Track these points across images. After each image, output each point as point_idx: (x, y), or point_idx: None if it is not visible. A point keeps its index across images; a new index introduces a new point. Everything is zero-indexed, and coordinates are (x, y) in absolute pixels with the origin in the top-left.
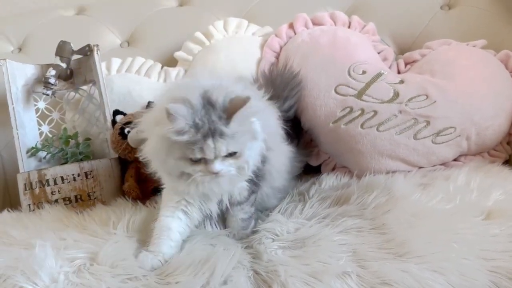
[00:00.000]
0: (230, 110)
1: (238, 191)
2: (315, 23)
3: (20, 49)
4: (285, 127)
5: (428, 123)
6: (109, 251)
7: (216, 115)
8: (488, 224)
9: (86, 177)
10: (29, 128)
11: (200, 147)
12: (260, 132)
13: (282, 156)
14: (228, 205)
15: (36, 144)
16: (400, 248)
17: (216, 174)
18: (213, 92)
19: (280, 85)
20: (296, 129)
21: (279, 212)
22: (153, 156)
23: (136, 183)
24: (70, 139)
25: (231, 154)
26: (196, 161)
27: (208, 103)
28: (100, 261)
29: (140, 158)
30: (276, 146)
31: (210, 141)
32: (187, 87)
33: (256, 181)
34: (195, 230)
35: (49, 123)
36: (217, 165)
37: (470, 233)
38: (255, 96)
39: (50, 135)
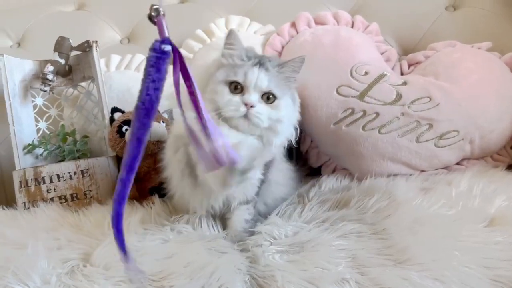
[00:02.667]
0: (283, 61)
1: (249, 188)
2: (318, 22)
3: (19, 44)
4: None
5: (431, 126)
6: (102, 253)
7: (268, 60)
8: (491, 231)
9: (83, 175)
10: (26, 124)
11: (245, 71)
12: (297, 102)
13: (281, 169)
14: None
15: (33, 140)
16: (401, 255)
17: (250, 107)
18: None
19: None
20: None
21: (277, 214)
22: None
23: (134, 183)
24: (67, 136)
25: (269, 98)
26: (234, 92)
27: (264, 57)
28: (94, 262)
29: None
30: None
31: (256, 69)
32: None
33: (264, 179)
34: (191, 233)
35: (46, 120)
36: (253, 97)
37: (473, 240)
38: None
39: (48, 132)
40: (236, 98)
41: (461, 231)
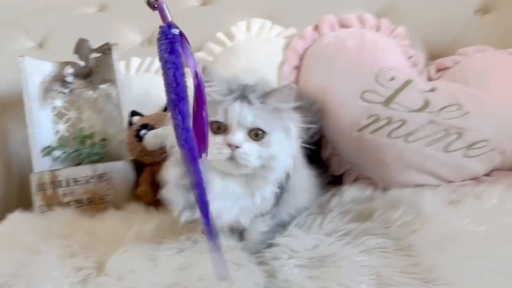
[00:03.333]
0: (268, 92)
1: (261, 198)
2: (342, 25)
3: (40, 45)
4: (308, 151)
5: (460, 135)
6: (116, 262)
7: (250, 88)
8: None
9: (100, 179)
10: (45, 126)
11: (225, 108)
12: (294, 133)
13: (301, 177)
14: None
15: (51, 143)
16: (428, 274)
17: (235, 148)
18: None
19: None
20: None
21: (296, 225)
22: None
23: (151, 188)
24: (86, 139)
25: (257, 135)
26: (217, 133)
27: (247, 87)
28: (107, 271)
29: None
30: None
31: (237, 104)
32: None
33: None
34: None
35: (65, 122)
36: (237, 136)
37: (506, 261)
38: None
39: (66, 134)
40: (219, 139)
41: (494, 249)
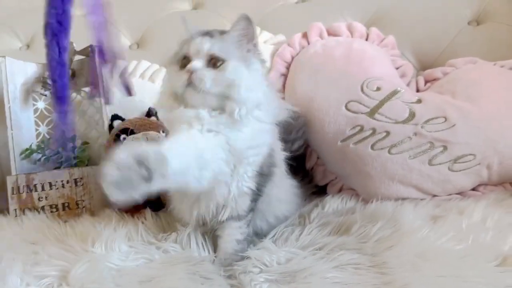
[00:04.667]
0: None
1: (239, 200)
2: (331, 33)
3: (28, 46)
4: (291, 163)
5: (445, 148)
6: (79, 271)
7: (216, 31)
8: (502, 271)
9: (76, 184)
10: (26, 128)
11: (189, 43)
12: (256, 66)
13: (283, 186)
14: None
15: (31, 145)
16: None
17: (192, 74)
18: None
19: (288, 128)
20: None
21: (273, 236)
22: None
23: None
24: (67, 142)
25: (216, 64)
26: (182, 67)
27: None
28: (70, 281)
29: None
30: (279, 172)
31: (199, 38)
32: None
33: (255, 196)
34: (179, 252)
35: (47, 124)
36: (195, 63)
37: (481, 281)
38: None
39: (48, 137)
40: (183, 72)
41: (469, 270)
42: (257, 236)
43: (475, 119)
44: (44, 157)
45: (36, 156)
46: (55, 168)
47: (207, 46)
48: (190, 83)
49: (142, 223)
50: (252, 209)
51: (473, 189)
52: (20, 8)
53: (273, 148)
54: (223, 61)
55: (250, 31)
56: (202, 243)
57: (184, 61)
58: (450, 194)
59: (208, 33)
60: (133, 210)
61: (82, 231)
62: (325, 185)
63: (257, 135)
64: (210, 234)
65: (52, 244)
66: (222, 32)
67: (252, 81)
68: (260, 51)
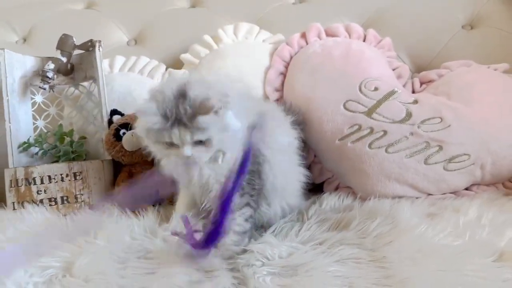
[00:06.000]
0: (198, 108)
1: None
2: (329, 34)
3: (24, 40)
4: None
5: (440, 148)
6: (84, 263)
7: (183, 108)
8: (499, 266)
9: (75, 178)
10: (23, 122)
11: (168, 134)
12: (233, 125)
13: (291, 174)
14: None
15: (29, 139)
16: (400, 286)
17: (188, 157)
18: (192, 86)
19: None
20: None
21: (273, 232)
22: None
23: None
24: (65, 136)
25: (201, 142)
26: (170, 146)
27: (181, 95)
28: (74, 273)
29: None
30: (280, 161)
31: (176, 129)
32: (176, 79)
33: (246, 190)
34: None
35: (45, 118)
36: (187, 150)
37: (479, 276)
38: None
39: (45, 131)
40: (175, 151)
41: (467, 265)
42: (263, 227)
43: (470, 120)
44: (42, 150)
45: (33, 149)
46: (53, 162)
47: (188, 137)
48: (187, 162)
49: (143, 217)
50: (247, 204)
51: (467, 189)
52: (17, 1)
53: (257, 147)
54: (206, 138)
55: (218, 120)
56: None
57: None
58: (444, 193)
59: (179, 121)
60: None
61: (83, 223)
62: (321, 183)
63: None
64: None
65: (54, 236)
66: (190, 117)
67: (238, 142)
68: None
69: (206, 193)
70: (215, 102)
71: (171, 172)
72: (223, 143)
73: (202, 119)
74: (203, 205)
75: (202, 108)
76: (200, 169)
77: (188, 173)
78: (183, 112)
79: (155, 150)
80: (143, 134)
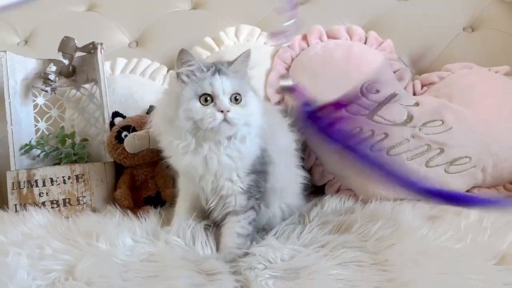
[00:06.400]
0: (232, 61)
1: (233, 197)
2: (330, 36)
3: (26, 42)
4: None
5: (442, 150)
6: (86, 266)
7: (220, 62)
8: (501, 270)
9: (77, 180)
10: (25, 124)
11: (210, 82)
12: (256, 90)
13: (290, 175)
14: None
15: (30, 141)
16: None
17: (227, 112)
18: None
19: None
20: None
21: (275, 234)
22: (163, 119)
23: (129, 191)
24: (66, 138)
25: (236, 99)
26: (206, 104)
27: (216, 63)
28: (76, 276)
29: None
30: (282, 163)
31: (217, 76)
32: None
33: (253, 193)
34: (182, 251)
35: (47, 120)
36: (226, 103)
37: (481, 279)
38: (270, 109)
39: (47, 133)
40: (210, 109)
41: (469, 268)
42: (264, 230)
43: (471, 123)
44: (44, 153)
45: (35, 151)
46: (55, 164)
47: (229, 86)
48: (225, 120)
49: (144, 219)
50: (252, 207)
51: (468, 191)
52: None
53: (265, 148)
54: (241, 96)
55: (247, 64)
56: (205, 241)
57: (207, 98)
58: None
59: (220, 70)
60: (136, 206)
61: (85, 226)
62: (323, 185)
63: (248, 149)
64: (212, 230)
65: (56, 239)
66: (229, 65)
67: (261, 108)
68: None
69: (215, 191)
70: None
71: (188, 164)
72: (253, 104)
73: (241, 63)
74: (209, 203)
75: (240, 60)
76: (219, 157)
77: (227, 129)
78: (221, 64)
79: (185, 117)
80: (172, 104)
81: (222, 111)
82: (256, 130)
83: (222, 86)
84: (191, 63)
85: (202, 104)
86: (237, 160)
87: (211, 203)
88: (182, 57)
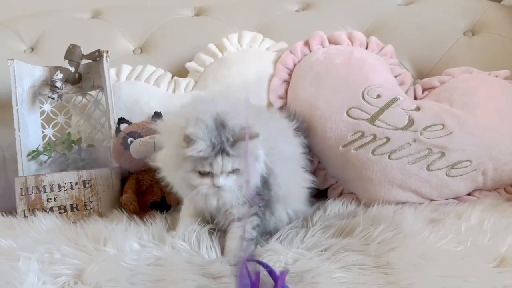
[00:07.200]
0: (238, 136)
1: (236, 209)
2: (332, 42)
3: (32, 49)
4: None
5: (443, 154)
6: (95, 270)
7: (225, 136)
8: (500, 272)
9: (84, 186)
10: (32, 130)
11: (210, 163)
12: (261, 156)
13: (295, 182)
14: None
15: (38, 147)
16: None
17: (219, 187)
18: (226, 116)
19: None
20: None
21: (279, 238)
22: (165, 166)
23: (135, 196)
24: (73, 144)
25: (234, 170)
26: (203, 175)
27: (221, 124)
28: (85, 280)
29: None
30: (284, 171)
31: (219, 158)
32: (202, 107)
33: (257, 201)
34: (188, 255)
35: (53, 127)
36: (221, 180)
37: (481, 282)
38: (274, 118)
39: (54, 139)
40: (207, 180)
41: (469, 270)
42: (269, 234)
43: (471, 127)
44: (51, 159)
45: (42, 157)
46: (61, 170)
47: (229, 166)
48: (216, 191)
49: (151, 224)
50: (255, 213)
51: (469, 194)
52: (24, 10)
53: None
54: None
55: (256, 143)
56: (210, 245)
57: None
58: (447, 199)
59: (223, 150)
60: (142, 211)
61: (93, 231)
62: (326, 189)
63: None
64: (217, 235)
65: (65, 244)
66: (232, 144)
67: (259, 170)
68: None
69: (222, 212)
70: (255, 129)
71: (192, 198)
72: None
73: (246, 146)
74: (217, 223)
75: (242, 134)
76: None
77: (211, 201)
78: (226, 140)
79: (184, 178)
80: (174, 162)
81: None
82: (254, 172)
83: (222, 167)
84: (196, 147)
85: (199, 176)
86: (238, 193)
87: (215, 215)
88: (186, 142)
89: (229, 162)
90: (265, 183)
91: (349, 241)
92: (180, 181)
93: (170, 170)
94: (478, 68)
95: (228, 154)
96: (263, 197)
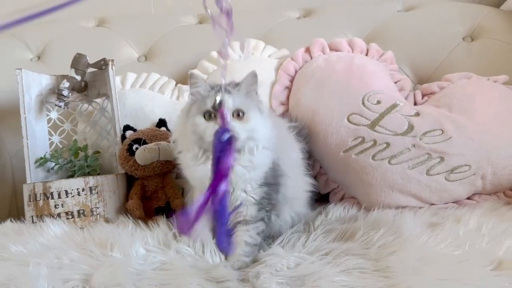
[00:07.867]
0: (243, 83)
1: (245, 207)
2: (332, 48)
3: (38, 57)
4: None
5: (442, 159)
6: (103, 275)
7: (227, 85)
8: (497, 275)
9: (91, 192)
10: (39, 138)
11: (212, 99)
12: (265, 107)
13: (299, 185)
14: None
15: (45, 154)
16: None
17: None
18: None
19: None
20: None
21: (281, 243)
22: (179, 128)
23: (141, 201)
24: (79, 151)
25: (239, 115)
26: (209, 119)
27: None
28: (93, 285)
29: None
30: (293, 174)
31: (219, 94)
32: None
33: (264, 205)
34: (192, 260)
35: (60, 134)
36: (228, 118)
37: (478, 284)
38: (280, 125)
39: (61, 146)
40: (212, 123)
41: (467, 274)
42: (271, 237)
43: (470, 132)
44: (58, 165)
45: (49, 164)
46: (68, 176)
47: (231, 102)
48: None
49: (156, 229)
50: (262, 219)
51: (468, 198)
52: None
53: (277, 162)
54: (244, 112)
55: (255, 83)
56: (214, 250)
57: (210, 115)
58: (446, 203)
59: (225, 89)
60: (147, 216)
61: (100, 237)
62: (327, 194)
63: (259, 160)
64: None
65: (73, 249)
66: (235, 85)
67: (265, 123)
68: (259, 96)
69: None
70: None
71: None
72: (259, 122)
73: (247, 83)
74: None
75: (246, 81)
76: (232, 167)
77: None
78: (228, 84)
79: (193, 130)
80: (184, 116)
81: None
82: (264, 143)
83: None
84: (198, 84)
85: (206, 119)
86: (249, 170)
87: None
88: (191, 80)
89: (230, 98)
90: (276, 185)
91: (350, 245)
92: (189, 138)
93: (181, 130)
94: (477, 73)
95: (229, 92)
96: (271, 201)
